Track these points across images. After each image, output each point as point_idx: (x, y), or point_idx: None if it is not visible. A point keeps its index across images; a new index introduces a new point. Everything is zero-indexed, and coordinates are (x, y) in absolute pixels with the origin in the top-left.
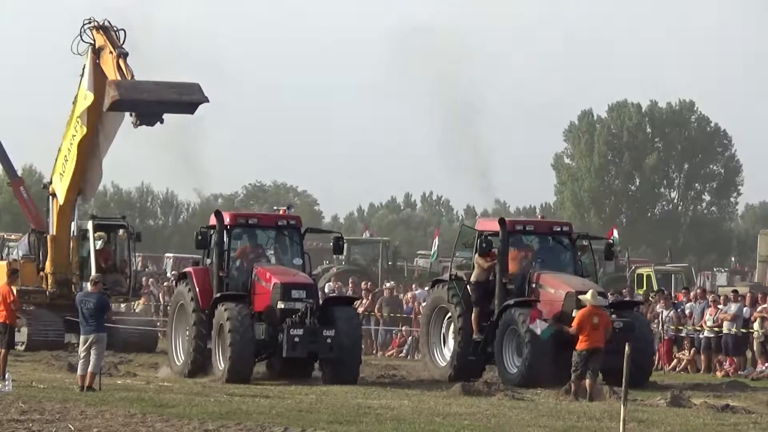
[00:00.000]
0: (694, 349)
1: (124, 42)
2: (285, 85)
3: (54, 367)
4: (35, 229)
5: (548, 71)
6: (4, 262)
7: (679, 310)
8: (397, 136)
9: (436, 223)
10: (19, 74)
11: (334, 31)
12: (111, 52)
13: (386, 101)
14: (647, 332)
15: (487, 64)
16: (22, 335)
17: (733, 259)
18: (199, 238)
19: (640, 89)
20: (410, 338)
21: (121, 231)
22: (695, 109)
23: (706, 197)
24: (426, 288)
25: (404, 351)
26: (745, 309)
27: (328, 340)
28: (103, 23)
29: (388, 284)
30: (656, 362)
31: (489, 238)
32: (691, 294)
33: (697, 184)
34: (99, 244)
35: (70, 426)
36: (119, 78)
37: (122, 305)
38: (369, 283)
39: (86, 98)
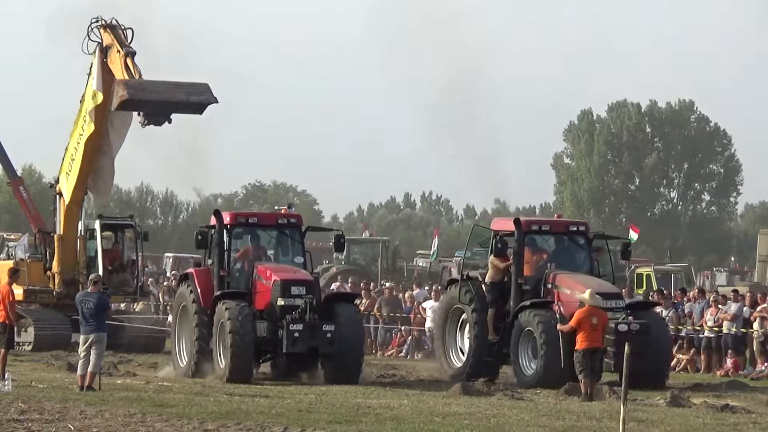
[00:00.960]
0: (693, 349)
1: (131, 41)
2: (285, 84)
3: (54, 366)
4: (41, 228)
5: (548, 71)
6: (11, 262)
7: (679, 310)
8: (397, 136)
9: (435, 222)
10: (18, 74)
11: (334, 31)
12: (119, 51)
13: (386, 101)
14: (664, 333)
15: (487, 64)
16: (29, 335)
17: (732, 258)
18: (199, 237)
19: (640, 88)
20: (410, 338)
21: (128, 231)
22: (695, 108)
23: (706, 197)
24: (425, 288)
25: (404, 351)
26: (745, 309)
27: (328, 335)
28: (111, 22)
29: (387, 284)
30: None
31: (504, 238)
32: (690, 294)
33: (696, 184)
34: (106, 243)
35: (70, 426)
36: (127, 77)
37: (122, 305)
38: (370, 283)
39: (94, 97)
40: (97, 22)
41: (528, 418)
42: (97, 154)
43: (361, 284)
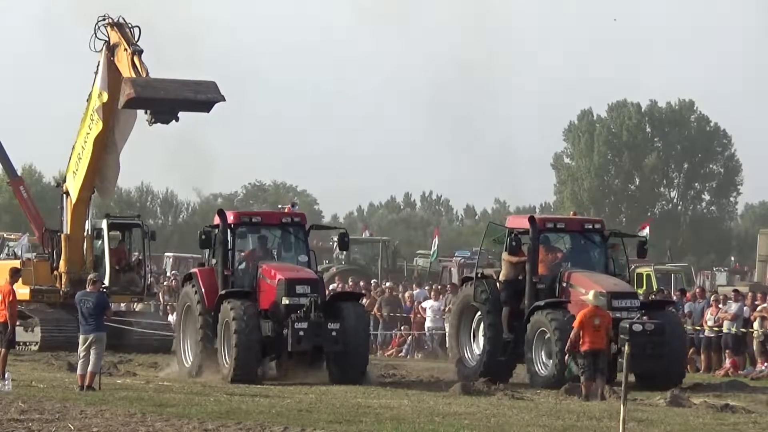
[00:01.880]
0: (693, 348)
1: (138, 39)
2: (285, 84)
3: (54, 366)
4: (48, 228)
5: (548, 71)
6: (18, 261)
7: (679, 310)
8: (398, 135)
9: (435, 222)
10: (18, 74)
11: (334, 31)
12: (126, 50)
13: (386, 101)
14: (680, 333)
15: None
16: (35, 335)
17: (732, 258)
18: (203, 237)
19: (640, 88)
20: (410, 338)
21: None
22: (695, 108)
23: (706, 197)
24: (425, 287)
25: (404, 350)
26: (745, 308)
27: (333, 333)
28: (118, 20)
29: (387, 284)
30: None
31: (518, 236)
32: (689, 294)
33: (696, 184)
34: (113, 242)
35: (70, 425)
36: (134, 75)
37: (122, 305)
38: (371, 281)
39: (101, 95)
40: (104, 20)
41: (528, 418)
42: (104, 153)
43: (361, 283)
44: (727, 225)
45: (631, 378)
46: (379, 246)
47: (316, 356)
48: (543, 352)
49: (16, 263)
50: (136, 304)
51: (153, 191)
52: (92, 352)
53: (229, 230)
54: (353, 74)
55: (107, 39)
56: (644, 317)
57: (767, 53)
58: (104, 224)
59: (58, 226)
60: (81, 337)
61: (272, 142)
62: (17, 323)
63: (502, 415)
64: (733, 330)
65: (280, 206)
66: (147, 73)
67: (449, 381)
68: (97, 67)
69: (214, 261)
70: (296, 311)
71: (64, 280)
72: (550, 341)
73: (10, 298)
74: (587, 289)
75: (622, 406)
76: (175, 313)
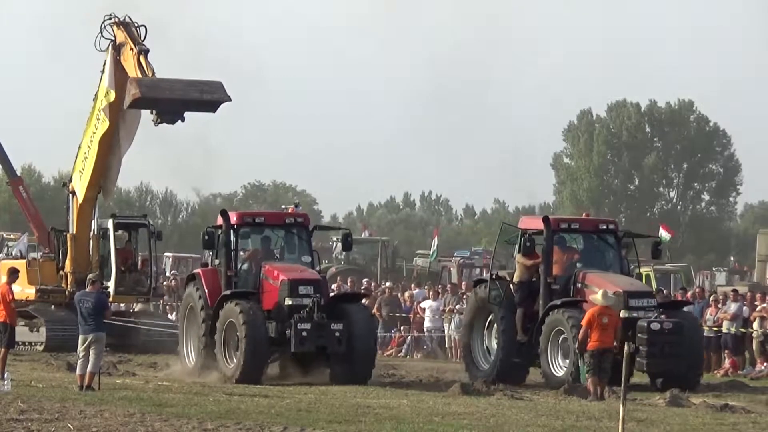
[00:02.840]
0: None
1: (145, 38)
2: (284, 84)
3: (53, 366)
4: (53, 227)
5: (548, 70)
6: (23, 261)
7: None
8: (398, 135)
9: (435, 222)
10: (18, 74)
11: (333, 31)
12: (132, 49)
13: (386, 101)
14: (698, 332)
15: (487, 64)
16: (40, 335)
17: (732, 258)
18: (206, 238)
19: (640, 88)
20: (409, 338)
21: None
22: (694, 108)
23: (705, 197)
24: (425, 287)
25: (403, 350)
26: (744, 308)
27: (337, 334)
28: (124, 19)
29: (387, 283)
30: None
31: (532, 236)
32: (689, 294)
33: (696, 184)
34: (118, 242)
35: (69, 425)
36: (140, 75)
37: (122, 305)
38: (371, 283)
39: (108, 94)
40: (110, 19)
41: (527, 418)
42: (109, 153)
43: (364, 281)
44: (727, 225)
45: (646, 379)
46: (378, 246)
47: (319, 357)
48: (559, 353)
49: (22, 263)
50: (136, 304)
51: (153, 191)
52: (91, 352)
53: (232, 231)
54: (353, 74)
55: (113, 38)
56: (662, 316)
57: (767, 53)
58: (110, 224)
59: (57, 225)
60: (80, 337)
61: (272, 142)
62: (22, 323)
63: (501, 415)
64: (733, 330)
65: (283, 207)
66: (153, 73)
67: (448, 381)
68: (104, 66)
69: (217, 262)
70: (299, 312)
71: (69, 280)
72: (566, 341)
73: (9, 298)
74: (603, 289)
75: (621, 406)
76: (175, 313)
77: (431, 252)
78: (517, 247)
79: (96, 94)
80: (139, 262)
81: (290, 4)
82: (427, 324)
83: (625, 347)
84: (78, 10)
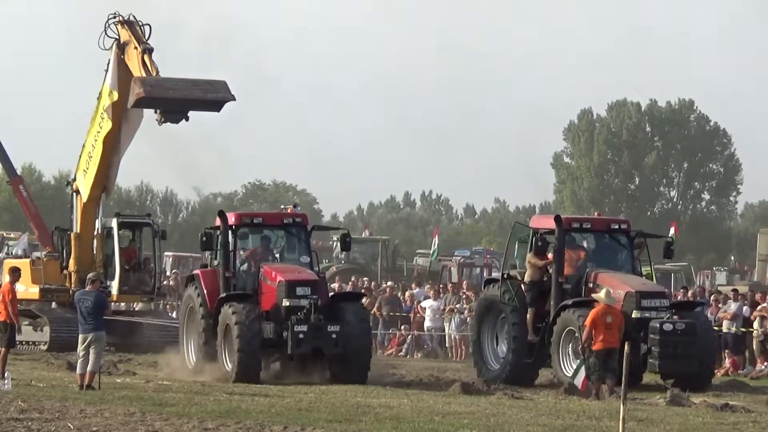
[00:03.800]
0: None
1: (149, 37)
2: (284, 84)
3: (53, 365)
4: (57, 226)
5: (548, 70)
6: (27, 260)
7: None
8: (398, 135)
9: (435, 221)
10: (18, 73)
11: (333, 31)
12: (136, 48)
13: (386, 100)
14: (709, 333)
15: (487, 64)
16: (44, 335)
17: (732, 258)
18: (204, 239)
19: (640, 87)
20: (410, 337)
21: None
22: (695, 108)
23: (706, 196)
24: (425, 287)
25: (403, 350)
26: (744, 308)
27: (333, 336)
28: (128, 18)
29: (387, 283)
30: None
31: (544, 236)
32: (689, 293)
33: (696, 183)
34: (123, 241)
35: (70, 425)
36: (144, 74)
37: (122, 304)
38: (371, 282)
39: (111, 94)
40: (114, 17)
41: (528, 418)
42: (113, 152)
43: (364, 279)
44: (727, 224)
45: (658, 378)
46: (378, 245)
47: (316, 358)
48: (570, 353)
49: (25, 262)
50: (136, 303)
51: (153, 190)
52: (92, 351)
53: (230, 232)
54: (353, 74)
55: (117, 37)
56: (675, 317)
57: (767, 53)
58: (114, 223)
59: (58, 224)
60: (80, 337)
61: (272, 142)
62: (26, 322)
63: (501, 414)
64: (733, 329)
65: (282, 207)
66: (157, 72)
67: (449, 380)
68: (108, 65)
69: (216, 263)
70: (296, 313)
71: (73, 279)
72: (578, 340)
73: (10, 297)
74: (615, 289)
75: (621, 405)
76: (175, 312)
77: (432, 251)
78: (528, 246)
79: (100, 93)
80: (143, 262)
81: (290, 4)
82: (427, 323)
83: (625, 347)
84: (89, 9)
